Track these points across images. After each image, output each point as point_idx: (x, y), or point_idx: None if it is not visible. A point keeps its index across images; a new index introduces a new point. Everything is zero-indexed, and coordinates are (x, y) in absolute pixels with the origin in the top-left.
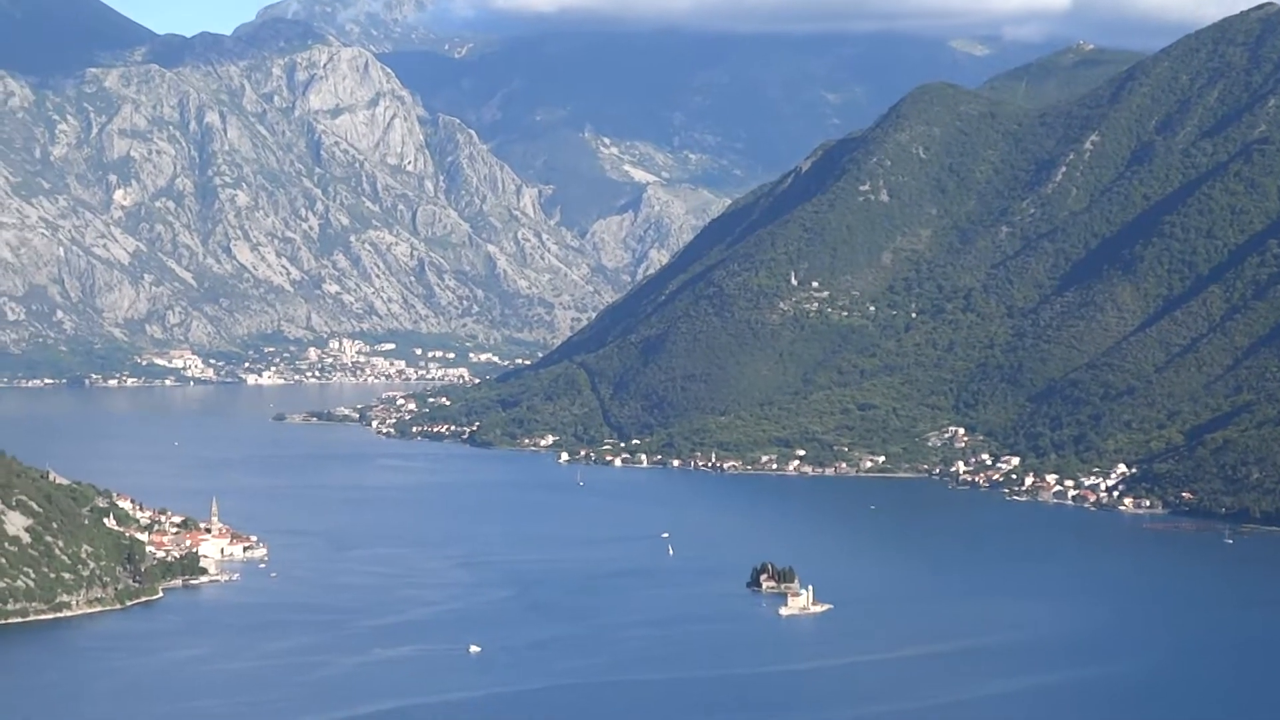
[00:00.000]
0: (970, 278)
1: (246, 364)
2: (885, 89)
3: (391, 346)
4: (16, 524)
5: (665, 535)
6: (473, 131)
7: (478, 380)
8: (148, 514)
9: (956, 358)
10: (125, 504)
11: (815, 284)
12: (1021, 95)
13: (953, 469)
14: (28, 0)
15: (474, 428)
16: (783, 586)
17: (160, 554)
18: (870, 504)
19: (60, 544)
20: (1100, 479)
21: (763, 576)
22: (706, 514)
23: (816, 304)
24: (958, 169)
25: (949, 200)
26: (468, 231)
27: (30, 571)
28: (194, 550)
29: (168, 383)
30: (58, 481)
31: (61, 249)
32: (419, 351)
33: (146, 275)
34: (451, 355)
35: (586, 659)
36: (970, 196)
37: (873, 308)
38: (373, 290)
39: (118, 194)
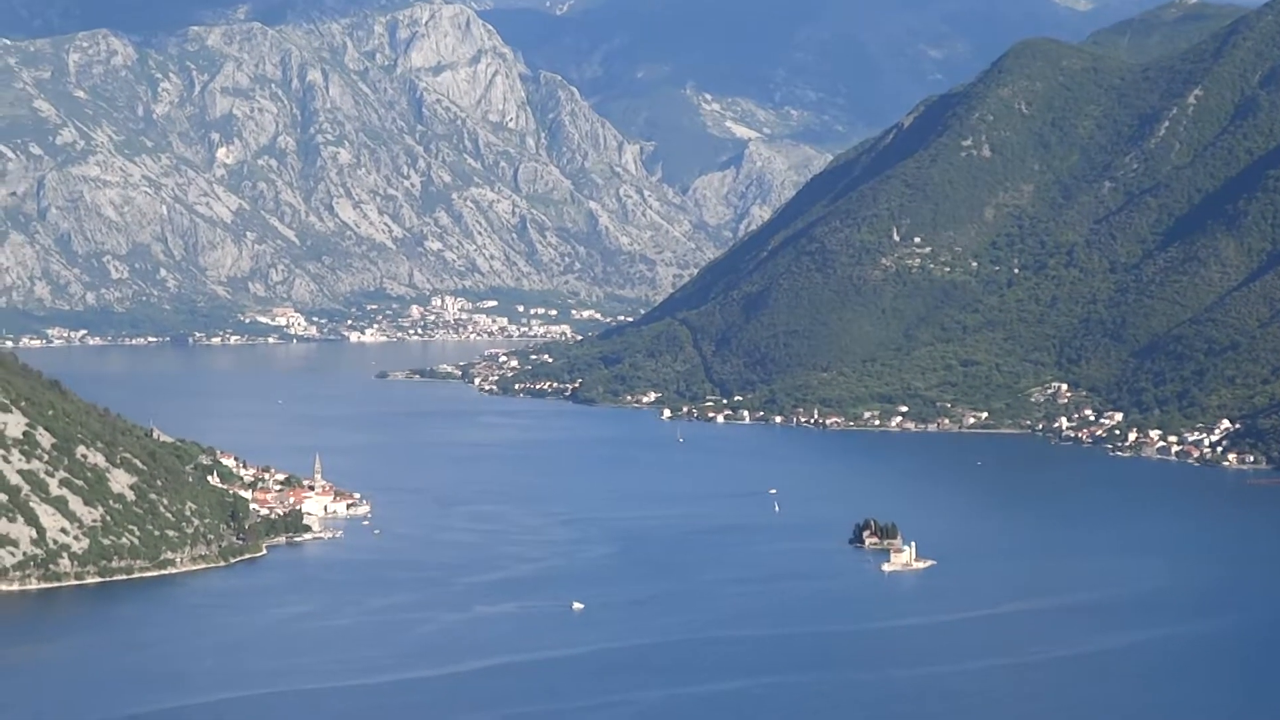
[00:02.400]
0: (1073, 233)
1: (349, 321)
2: (987, 44)
3: (494, 304)
4: (121, 482)
5: (773, 492)
6: (574, 88)
7: (580, 337)
8: (251, 471)
9: (1059, 313)
10: (229, 461)
11: (917, 240)
12: (1124, 50)
13: (1055, 425)
14: None
15: (576, 385)
16: (885, 543)
17: (264, 511)
18: (976, 460)
19: (165, 501)
20: (1204, 435)
21: (865, 533)
22: (809, 470)
23: (919, 260)
24: (1060, 124)
25: (1051, 156)
26: (569, 188)
27: (135, 529)
28: (297, 507)
29: (270, 340)
30: (162, 439)
31: (165, 207)
32: (521, 309)
33: (249, 233)
34: (554, 312)
35: (689, 615)
36: (1073, 152)
37: (975, 263)
38: (475, 247)
39: (220, 152)
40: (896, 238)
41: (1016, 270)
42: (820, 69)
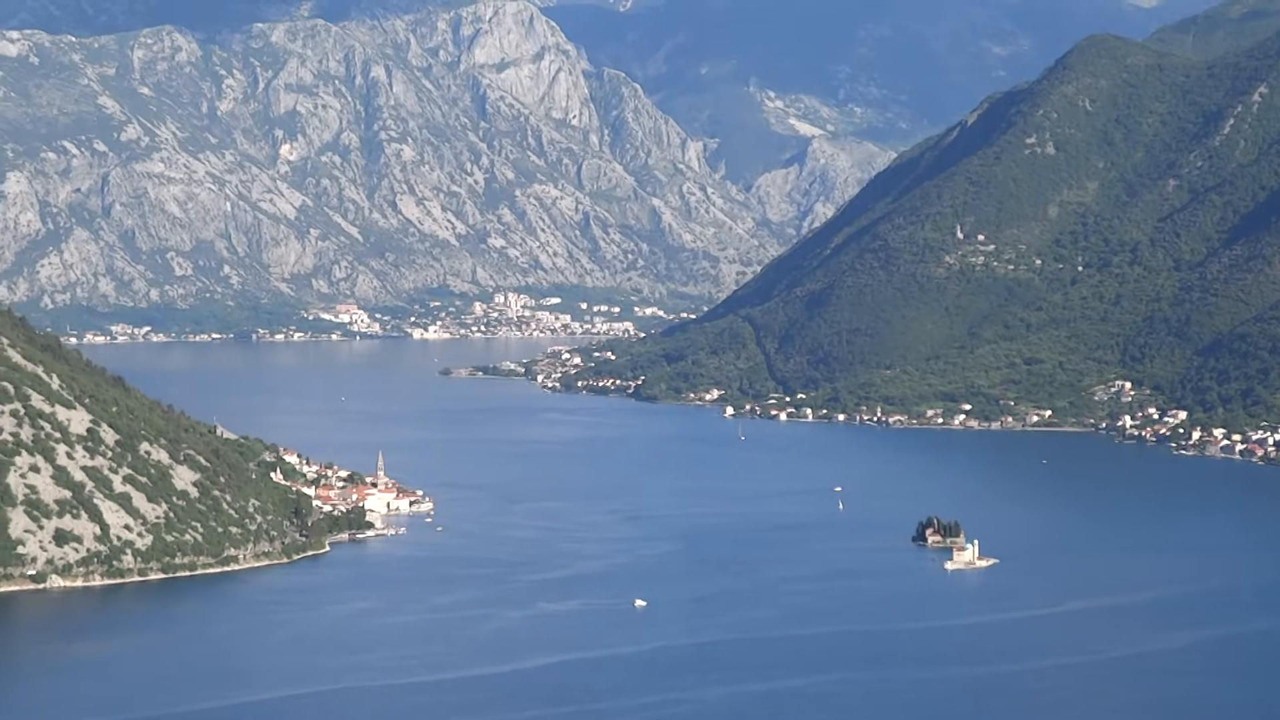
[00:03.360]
0: (1137, 231)
1: (412, 318)
2: (1052, 41)
3: (557, 301)
4: (185, 478)
5: (838, 489)
6: (638, 85)
7: (642, 334)
8: (314, 468)
9: (1123, 311)
10: (292, 458)
11: (981, 237)
12: (1189, 47)
13: (1119, 423)
14: None
15: (639, 382)
16: (948, 541)
17: (327, 508)
18: (1039, 458)
19: (228, 498)
20: (1268, 433)
21: (928, 531)
22: (871, 468)
23: (982, 257)
24: (1124, 121)
25: (1115, 153)
26: (633, 185)
27: (198, 525)
28: (360, 504)
29: (334, 337)
30: (225, 436)
31: (228, 204)
32: (584, 306)
33: (313, 230)
34: (616, 309)
35: (751, 613)
36: (1137, 149)
37: (1039, 261)
38: (538, 244)
39: (284, 149)
40: (960, 235)
41: (1080, 268)
42: (884, 66)
